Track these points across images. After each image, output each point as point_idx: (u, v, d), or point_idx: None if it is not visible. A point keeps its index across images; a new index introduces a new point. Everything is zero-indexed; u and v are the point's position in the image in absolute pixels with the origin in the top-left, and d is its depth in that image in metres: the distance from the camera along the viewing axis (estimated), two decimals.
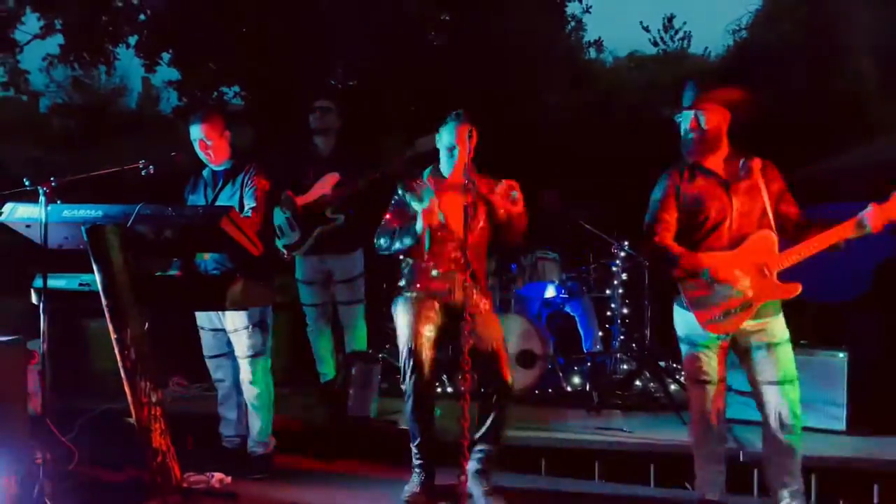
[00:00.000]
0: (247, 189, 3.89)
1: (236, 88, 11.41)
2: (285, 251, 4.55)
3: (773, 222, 3.13)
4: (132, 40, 9.43)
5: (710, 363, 3.18)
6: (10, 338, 3.94)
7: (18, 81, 8.08)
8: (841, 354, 4.12)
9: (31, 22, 7.99)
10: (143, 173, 3.57)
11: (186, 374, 5.15)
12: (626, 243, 5.31)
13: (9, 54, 7.70)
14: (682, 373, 5.18)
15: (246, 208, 3.84)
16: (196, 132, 3.89)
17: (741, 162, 3.19)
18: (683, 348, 3.27)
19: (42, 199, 3.25)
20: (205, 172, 4.05)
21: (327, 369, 4.64)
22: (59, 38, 8.09)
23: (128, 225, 3.21)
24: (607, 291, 5.51)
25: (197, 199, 4.01)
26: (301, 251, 4.51)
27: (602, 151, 8.82)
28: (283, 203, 4.51)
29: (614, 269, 5.37)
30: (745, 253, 3.09)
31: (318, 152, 4.66)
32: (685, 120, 3.19)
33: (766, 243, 3.10)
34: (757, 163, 3.18)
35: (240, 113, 11.84)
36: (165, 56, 9.58)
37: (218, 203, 3.90)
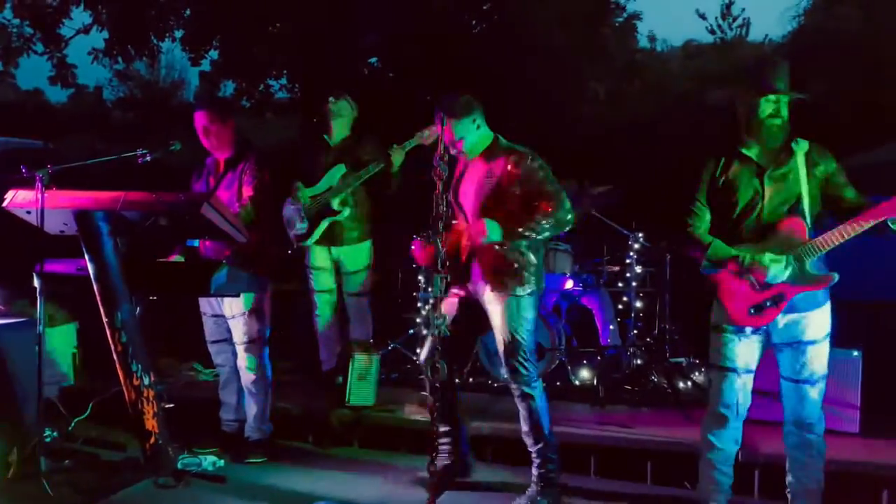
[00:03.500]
0: (246, 178, 3.94)
1: (283, 81, 11.61)
2: (294, 241, 4.61)
3: (808, 209, 2.93)
4: (178, 34, 9.73)
5: (736, 349, 3.01)
6: (21, 319, 4.14)
7: (66, 75, 8.39)
8: (855, 353, 3.91)
9: (77, 17, 8.28)
10: (140, 161, 3.66)
11: (202, 359, 5.24)
12: (640, 235, 5.17)
13: (55, 48, 8.01)
14: (699, 370, 5.06)
15: (244, 197, 3.90)
16: (199, 119, 3.96)
17: (783, 145, 2.98)
18: (713, 334, 3.10)
19: (39, 185, 3.37)
20: (209, 161, 4.13)
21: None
22: (103, 32, 8.35)
23: (116, 211, 3.31)
24: (619, 284, 5.38)
25: (200, 186, 4.10)
26: (309, 242, 4.58)
27: (642, 144, 8.63)
28: (292, 193, 4.57)
29: (628, 261, 5.23)
30: (775, 242, 2.93)
31: (328, 144, 4.70)
32: (769, 105, 2.93)
33: (794, 231, 2.92)
34: (801, 146, 2.98)
35: (285, 105, 12.08)
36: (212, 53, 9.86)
37: (219, 191, 3.97)
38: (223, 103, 4.07)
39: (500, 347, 3.36)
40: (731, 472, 3.16)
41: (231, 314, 3.95)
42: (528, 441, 3.42)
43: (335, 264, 4.72)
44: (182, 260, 3.79)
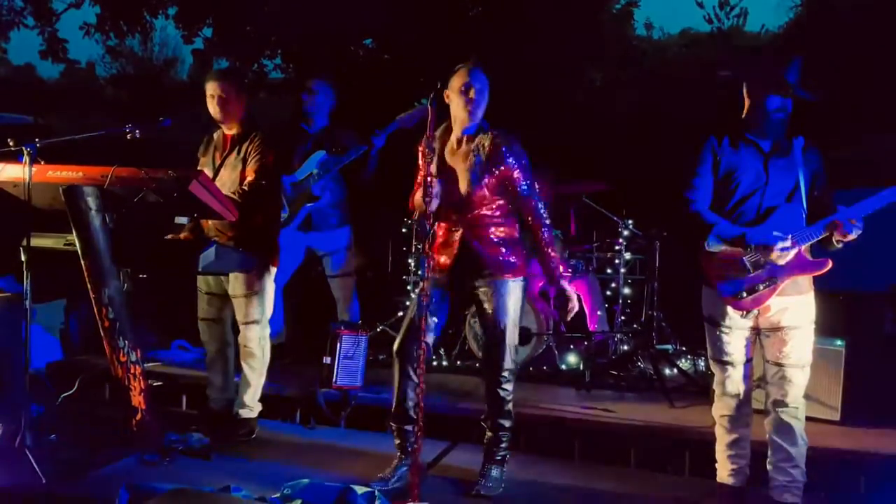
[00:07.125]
0: (251, 157, 3.88)
1: (278, 61, 11.49)
2: None
3: (804, 198, 3.03)
4: (171, 11, 9.62)
5: (734, 343, 3.10)
6: (8, 294, 4.11)
7: (57, 49, 8.32)
8: (839, 342, 3.95)
9: None
10: (129, 137, 3.63)
11: (189, 336, 5.24)
12: (630, 222, 5.19)
13: (47, 23, 7.93)
14: (685, 357, 5.11)
15: (246, 177, 3.85)
16: (213, 88, 3.89)
17: (784, 139, 3.07)
18: (707, 327, 3.19)
19: (26, 159, 3.33)
20: (216, 135, 4.09)
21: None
22: (95, 7, 8.26)
23: (104, 187, 3.30)
24: (608, 271, 5.41)
25: (206, 161, 4.05)
26: (289, 228, 4.59)
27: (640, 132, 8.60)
28: None
29: (618, 248, 5.25)
30: (771, 227, 2.98)
31: (306, 132, 4.70)
32: (776, 99, 3.00)
33: (791, 217, 3.00)
34: (799, 141, 3.08)
35: (279, 85, 11.97)
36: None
37: (222, 171, 3.93)
38: (240, 76, 4.03)
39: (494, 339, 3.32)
40: (746, 454, 3.22)
41: (233, 293, 3.93)
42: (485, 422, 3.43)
43: (306, 249, 4.74)
44: (190, 236, 3.79)
